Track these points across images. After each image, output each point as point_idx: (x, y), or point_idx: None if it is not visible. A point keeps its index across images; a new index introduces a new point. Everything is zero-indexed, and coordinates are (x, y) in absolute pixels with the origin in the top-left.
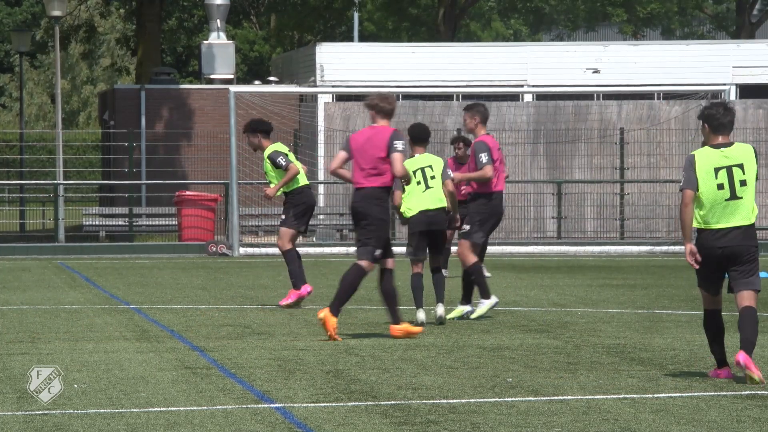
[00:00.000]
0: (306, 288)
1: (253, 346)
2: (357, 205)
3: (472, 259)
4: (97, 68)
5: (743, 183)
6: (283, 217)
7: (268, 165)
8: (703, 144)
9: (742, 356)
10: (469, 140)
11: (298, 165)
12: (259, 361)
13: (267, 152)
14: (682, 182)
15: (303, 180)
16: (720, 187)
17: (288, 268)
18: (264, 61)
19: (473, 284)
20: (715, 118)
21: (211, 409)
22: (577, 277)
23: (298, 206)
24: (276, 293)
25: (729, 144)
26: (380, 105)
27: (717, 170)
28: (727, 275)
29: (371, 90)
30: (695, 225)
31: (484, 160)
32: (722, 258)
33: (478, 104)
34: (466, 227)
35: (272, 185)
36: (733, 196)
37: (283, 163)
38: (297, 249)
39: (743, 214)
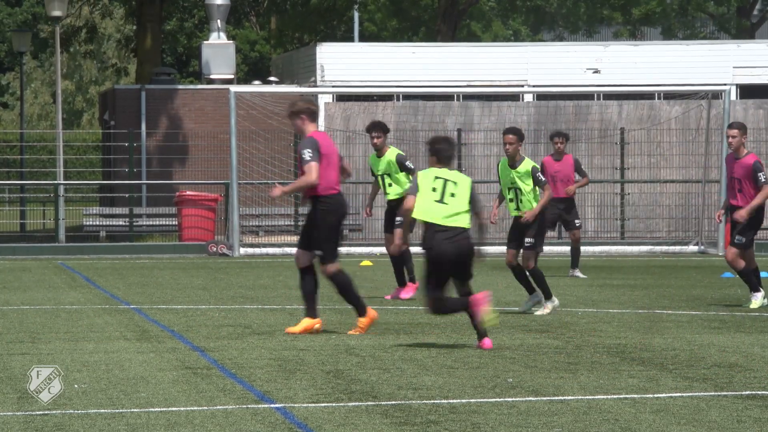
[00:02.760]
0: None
1: (254, 346)
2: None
3: (743, 262)
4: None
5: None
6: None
7: (394, 167)
8: None
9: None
10: (568, 134)
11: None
12: (259, 361)
13: (392, 156)
14: None
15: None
16: None
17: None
18: (264, 61)
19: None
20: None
21: (212, 410)
22: (577, 277)
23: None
24: (276, 293)
25: None
26: (311, 108)
27: None
28: None
29: (371, 90)
30: None
31: (763, 179)
32: None
33: (741, 123)
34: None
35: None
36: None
37: (544, 179)
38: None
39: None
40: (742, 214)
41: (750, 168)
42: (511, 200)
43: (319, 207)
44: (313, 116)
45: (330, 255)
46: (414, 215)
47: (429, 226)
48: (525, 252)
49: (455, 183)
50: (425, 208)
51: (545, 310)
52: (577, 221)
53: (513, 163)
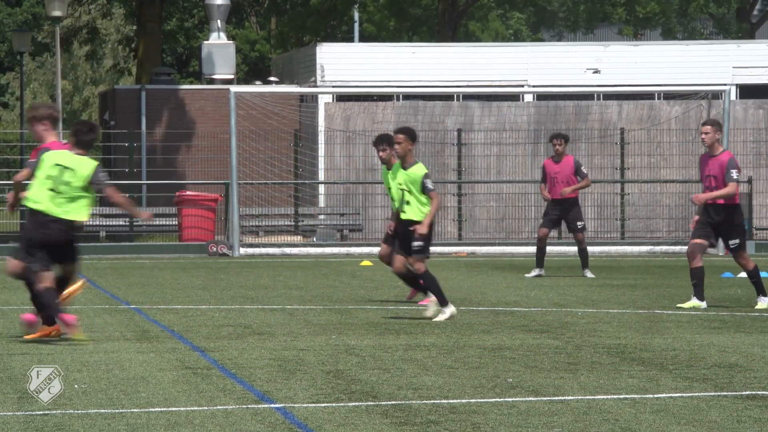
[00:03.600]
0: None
1: (254, 346)
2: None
3: (752, 263)
4: (101, 69)
5: None
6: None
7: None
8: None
9: None
10: (568, 136)
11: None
12: (259, 362)
13: (419, 172)
14: None
15: None
16: None
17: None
18: (264, 61)
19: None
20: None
21: (212, 410)
22: (577, 277)
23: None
24: (276, 293)
25: None
26: (54, 115)
27: None
28: None
29: (371, 90)
30: None
31: (735, 176)
32: None
33: (716, 120)
34: (737, 241)
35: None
36: None
37: (431, 187)
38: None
39: None
40: (699, 198)
41: (725, 164)
42: (406, 203)
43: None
44: (55, 123)
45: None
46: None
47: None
48: (414, 256)
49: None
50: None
51: (443, 315)
52: (579, 223)
53: (404, 164)
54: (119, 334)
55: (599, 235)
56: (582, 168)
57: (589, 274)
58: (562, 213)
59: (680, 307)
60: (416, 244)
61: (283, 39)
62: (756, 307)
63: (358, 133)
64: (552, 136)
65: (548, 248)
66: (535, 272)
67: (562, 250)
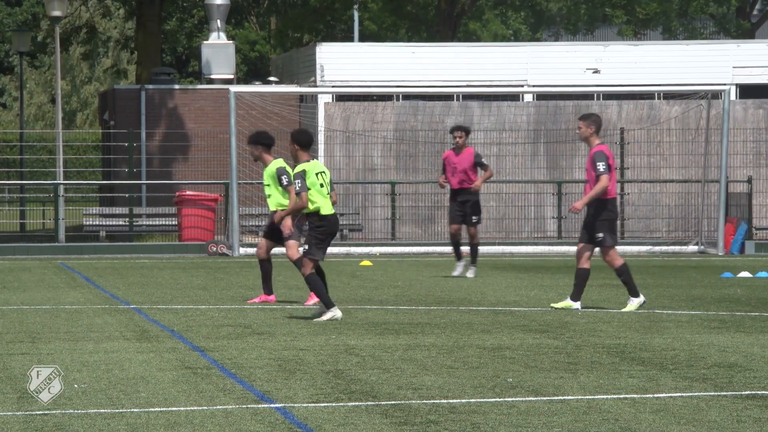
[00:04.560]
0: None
1: (253, 346)
2: None
3: (620, 261)
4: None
5: None
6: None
7: (270, 179)
8: None
9: None
10: (469, 128)
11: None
12: (259, 361)
13: (274, 167)
14: None
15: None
16: None
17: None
18: (264, 61)
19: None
20: None
21: (212, 409)
22: None
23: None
24: (276, 293)
25: None
26: None
27: None
28: None
29: (371, 90)
30: None
31: (602, 169)
32: None
33: (593, 114)
34: (600, 235)
35: (271, 200)
36: None
37: (285, 183)
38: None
39: None
40: (576, 206)
41: (591, 157)
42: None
43: None
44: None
45: None
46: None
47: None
48: (303, 259)
49: (324, 173)
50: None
51: (324, 317)
52: (475, 217)
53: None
54: (119, 334)
55: None
56: (483, 159)
57: (470, 273)
58: (463, 206)
59: (553, 307)
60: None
61: (282, 38)
62: (623, 309)
63: (357, 133)
64: (453, 128)
65: (548, 248)
66: (459, 268)
67: (562, 250)
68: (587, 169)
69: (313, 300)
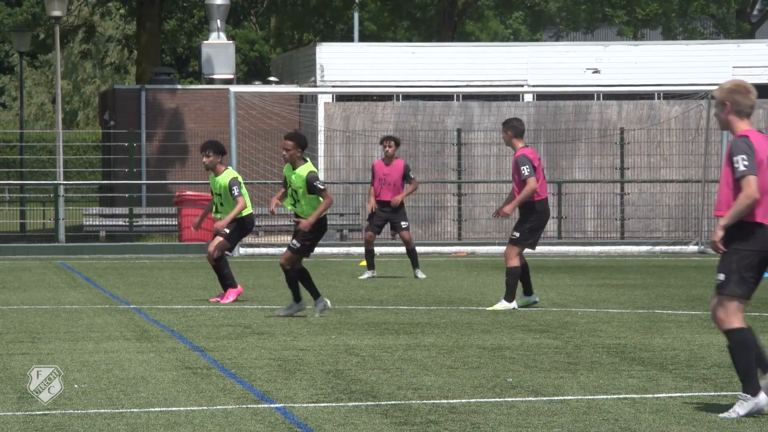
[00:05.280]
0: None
1: (253, 346)
2: None
3: (515, 262)
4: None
5: None
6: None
7: (225, 190)
8: None
9: None
10: (399, 139)
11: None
12: (259, 361)
13: (228, 178)
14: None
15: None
16: None
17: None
18: (264, 61)
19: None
20: None
21: (212, 409)
22: (577, 277)
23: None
24: (276, 293)
25: None
26: None
27: None
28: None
29: (371, 90)
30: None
31: (527, 173)
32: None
33: (513, 119)
34: (516, 234)
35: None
36: None
37: (236, 193)
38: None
39: None
40: (505, 211)
41: (514, 162)
42: (293, 202)
43: None
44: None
45: None
46: None
47: None
48: (288, 253)
49: None
50: None
51: (288, 311)
52: (404, 223)
53: (294, 166)
54: (119, 334)
55: (599, 235)
56: (410, 173)
57: (420, 274)
58: (388, 215)
59: (491, 310)
60: (293, 243)
61: (281, 37)
62: (489, 308)
63: (357, 133)
64: (383, 138)
65: (548, 248)
66: (367, 274)
67: (562, 250)
68: (513, 174)
69: (230, 299)
